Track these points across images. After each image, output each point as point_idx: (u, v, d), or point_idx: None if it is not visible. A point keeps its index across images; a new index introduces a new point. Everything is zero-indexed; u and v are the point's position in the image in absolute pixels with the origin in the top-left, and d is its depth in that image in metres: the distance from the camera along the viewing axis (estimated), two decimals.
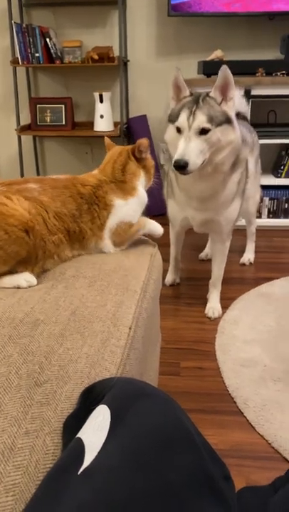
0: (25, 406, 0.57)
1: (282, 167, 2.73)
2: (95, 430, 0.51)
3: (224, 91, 1.47)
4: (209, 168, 1.53)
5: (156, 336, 1.17)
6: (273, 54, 2.77)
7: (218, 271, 1.88)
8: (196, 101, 1.47)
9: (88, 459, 0.47)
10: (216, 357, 1.59)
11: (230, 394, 1.40)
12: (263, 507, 0.56)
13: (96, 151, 3.17)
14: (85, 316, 0.77)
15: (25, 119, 3.02)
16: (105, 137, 1.15)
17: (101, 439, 0.49)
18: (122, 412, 0.51)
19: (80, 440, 0.50)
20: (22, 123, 2.97)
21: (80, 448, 0.49)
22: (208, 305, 1.90)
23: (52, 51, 2.76)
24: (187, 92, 1.52)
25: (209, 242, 2.38)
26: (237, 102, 1.99)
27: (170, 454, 0.47)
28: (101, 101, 2.81)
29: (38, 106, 2.94)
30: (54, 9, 2.87)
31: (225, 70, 1.44)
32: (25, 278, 0.89)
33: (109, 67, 2.83)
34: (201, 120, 1.43)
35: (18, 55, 2.76)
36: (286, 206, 2.79)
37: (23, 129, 2.95)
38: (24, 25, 2.71)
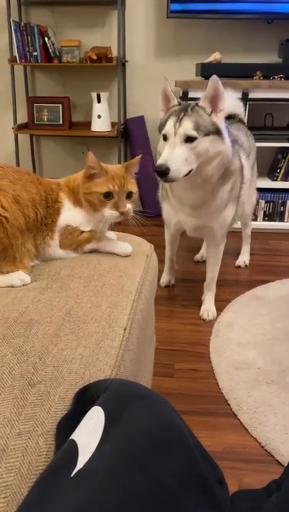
0: (19, 407, 0.57)
1: (278, 170, 2.74)
2: (89, 432, 0.50)
3: (214, 102, 1.42)
4: (198, 179, 1.50)
5: (151, 337, 1.17)
6: (271, 58, 2.78)
7: (212, 273, 1.88)
8: (185, 109, 1.43)
9: (82, 461, 0.46)
10: (210, 359, 1.59)
11: (223, 396, 1.40)
12: (257, 511, 0.56)
13: (93, 151, 3.13)
14: (79, 317, 0.77)
15: (23, 117, 3.01)
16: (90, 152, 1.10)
17: (95, 441, 0.48)
18: (117, 413, 0.51)
19: (73, 442, 0.50)
20: (19, 121, 2.96)
21: (73, 450, 0.49)
22: (203, 307, 1.90)
23: (50, 50, 2.75)
24: (176, 102, 1.50)
25: (204, 244, 2.38)
26: (233, 104, 2.00)
27: (164, 456, 0.47)
28: (99, 101, 2.81)
29: (35, 105, 2.94)
30: (53, 8, 2.86)
31: (215, 81, 1.39)
32: (19, 277, 0.88)
33: (107, 67, 2.83)
34: (186, 127, 1.39)
35: (16, 53, 2.75)
36: (282, 209, 2.80)
37: (20, 128, 2.94)
38: (23, 24, 2.70)
